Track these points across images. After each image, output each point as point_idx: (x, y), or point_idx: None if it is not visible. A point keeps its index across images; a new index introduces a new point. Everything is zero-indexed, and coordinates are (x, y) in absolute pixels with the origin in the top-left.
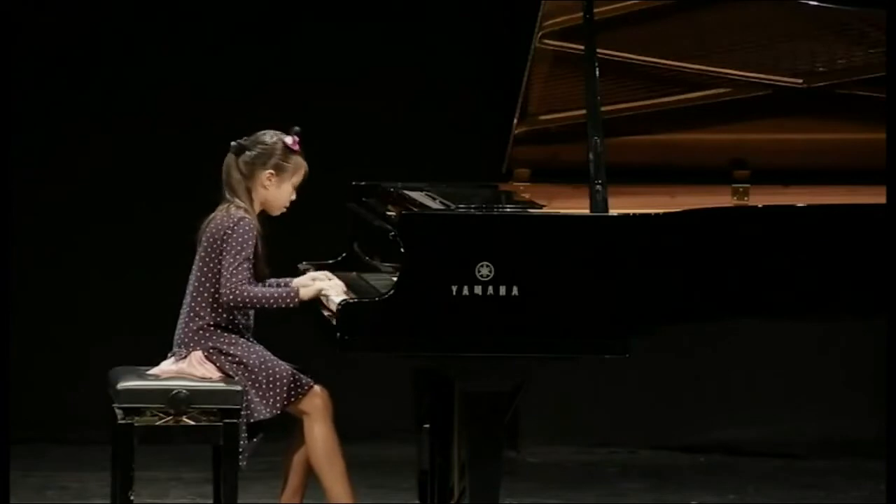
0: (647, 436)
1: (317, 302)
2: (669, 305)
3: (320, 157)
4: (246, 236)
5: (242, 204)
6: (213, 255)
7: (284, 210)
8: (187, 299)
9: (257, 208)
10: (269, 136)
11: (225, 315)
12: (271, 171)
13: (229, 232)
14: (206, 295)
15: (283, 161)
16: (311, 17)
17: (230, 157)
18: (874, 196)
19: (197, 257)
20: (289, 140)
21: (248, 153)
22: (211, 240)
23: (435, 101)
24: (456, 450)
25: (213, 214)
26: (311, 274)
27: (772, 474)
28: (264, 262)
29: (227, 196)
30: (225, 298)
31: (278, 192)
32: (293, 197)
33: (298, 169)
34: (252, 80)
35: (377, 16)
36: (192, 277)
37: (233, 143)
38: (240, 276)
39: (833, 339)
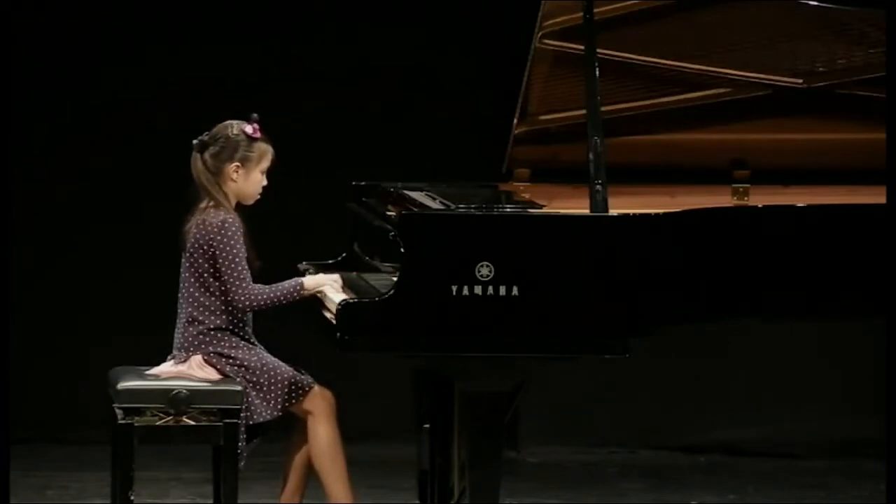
0: (647, 436)
1: (318, 303)
2: (669, 305)
3: (320, 158)
4: (235, 238)
5: (220, 201)
6: (202, 261)
7: (258, 197)
8: (182, 305)
9: (233, 202)
10: (231, 129)
11: (224, 318)
12: (237, 163)
13: (217, 237)
14: (202, 300)
15: (248, 151)
16: (311, 17)
17: (195, 156)
18: (874, 196)
19: (185, 262)
20: (249, 129)
21: (211, 149)
22: (196, 244)
23: (435, 101)
24: (456, 450)
25: (192, 217)
26: (321, 275)
27: (772, 474)
28: (252, 254)
29: (202, 194)
30: (241, 305)
31: (247, 183)
32: (264, 183)
33: (264, 155)
34: (252, 80)
35: (377, 16)
36: (184, 283)
37: (195, 141)
38: (247, 281)
39: (833, 339)
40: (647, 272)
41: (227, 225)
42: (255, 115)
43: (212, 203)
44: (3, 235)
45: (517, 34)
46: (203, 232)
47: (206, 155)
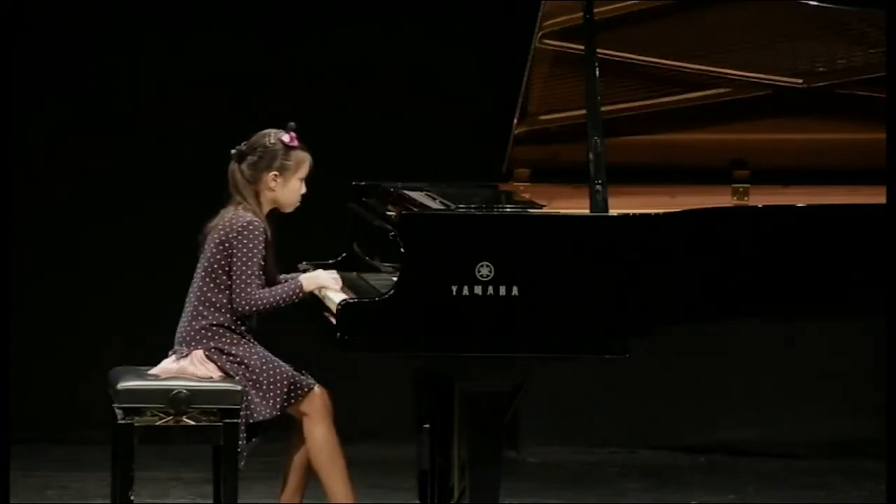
0: (647, 436)
1: (318, 302)
2: (669, 305)
3: (321, 158)
4: (256, 241)
5: (251, 206)
6: (219, 258)
7: (298, 205)
8: (191, 298)
9: (266, 209)
10: (268, 138)
11: (229, 315)
12: (275, 172)
13: (238, 236)
14: (209, 295)
15: (285, 160)
16: (311, 17)
17: (233, 165)
18: (874, 196)
19: (203, 256)
20: (286, 138)
21: (249, 158)
22: (218, 241)
23: (435, 101)
24: (456, 450)
25: (221, 213)
26: (319, 272)
27: (772, 474)
28: (273, 265)
29: (236, 199)
30: (241, 307)
31: (286, 191)
32: (303, 190)
33: (302, 163)
34: (252, 80)
35: (377, 15)
36: (197, 276)
37: (233, 151)
38: (253, 285)
39: (833, 339)
40: (647, 272)
41: (251, 227)
42: (291, 123)
43: (243, 205)
44: (3, 235)
45: (517, 34)
46: (228, 229)
47: (244, 165)
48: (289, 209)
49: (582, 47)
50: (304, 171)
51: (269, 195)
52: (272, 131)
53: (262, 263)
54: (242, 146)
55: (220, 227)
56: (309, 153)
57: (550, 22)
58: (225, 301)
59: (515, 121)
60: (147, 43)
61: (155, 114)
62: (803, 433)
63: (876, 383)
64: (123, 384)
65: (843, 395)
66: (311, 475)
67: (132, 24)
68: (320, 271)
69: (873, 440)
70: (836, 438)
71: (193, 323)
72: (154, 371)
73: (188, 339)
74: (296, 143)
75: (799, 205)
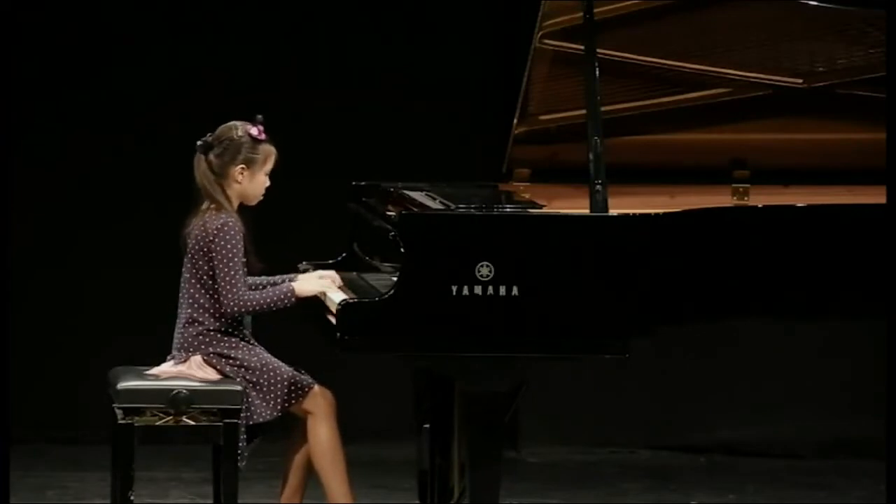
0: (647, 436)
1: (317, 302)
2: (669, 305)
3: (321, 157)
4: (233, 241)
5: (221, 203)
6: (201, 263)
7: (261, 199)
8: (182, 305)
9: (235, 203)
10: (235, 131)
11: (224, 319)
12: (242, 165)
13: (216, 239)
14: (201, 301)
15: (252, 153)
16: (311, 18)
17: (199, 157)
18: (874, 196)
19: (187, 263)
20: (254, 131)
21: (216, 150)
22: (197, 246)
23: (435, 101)
24: (456, 450)
25: (193, 218)
26: (319, 273)
27: (772, 474)
28: (254, 256)
29: (203, 195)
30: (228, 309)
31: (252, 184)
32: (267, 184)
33: (268, 157)
34: (253, 80)
35: (377, 16)
36: (185, 284)
37: (199, 142)
38: (239, 285)
39: (833, 339)
40: (647, 272)
41: (227, 227)
42: (259, 116)
43: (213, 205)
44: (3, 235)
45: (517, 34)
46: (203, 233)
47: (211, 156)
48: (253, 202)
49: (582, 47)
50: (269, 164)
51: (236, 188)
52: (239, 123)
53: (245, 261)
54: (208, 137)
55: (196, 231)
56: (274, 147)
57: (550, 22)
58: (218, 305)
59: (515, 121)
60: (149, 44)
61: (155, 114)
62: (803, 433)
63: (876, 383)
64: (123, 384)
65: (843, 395)
66: (311, 475)
67: (133, 24)
68: (312, 278)
69: (873, 440)
70: (836, 438)
71: (190, 329)
72: (154, 371)
73: (185, 345)
74: (263, 136)
75: (799, 205)
